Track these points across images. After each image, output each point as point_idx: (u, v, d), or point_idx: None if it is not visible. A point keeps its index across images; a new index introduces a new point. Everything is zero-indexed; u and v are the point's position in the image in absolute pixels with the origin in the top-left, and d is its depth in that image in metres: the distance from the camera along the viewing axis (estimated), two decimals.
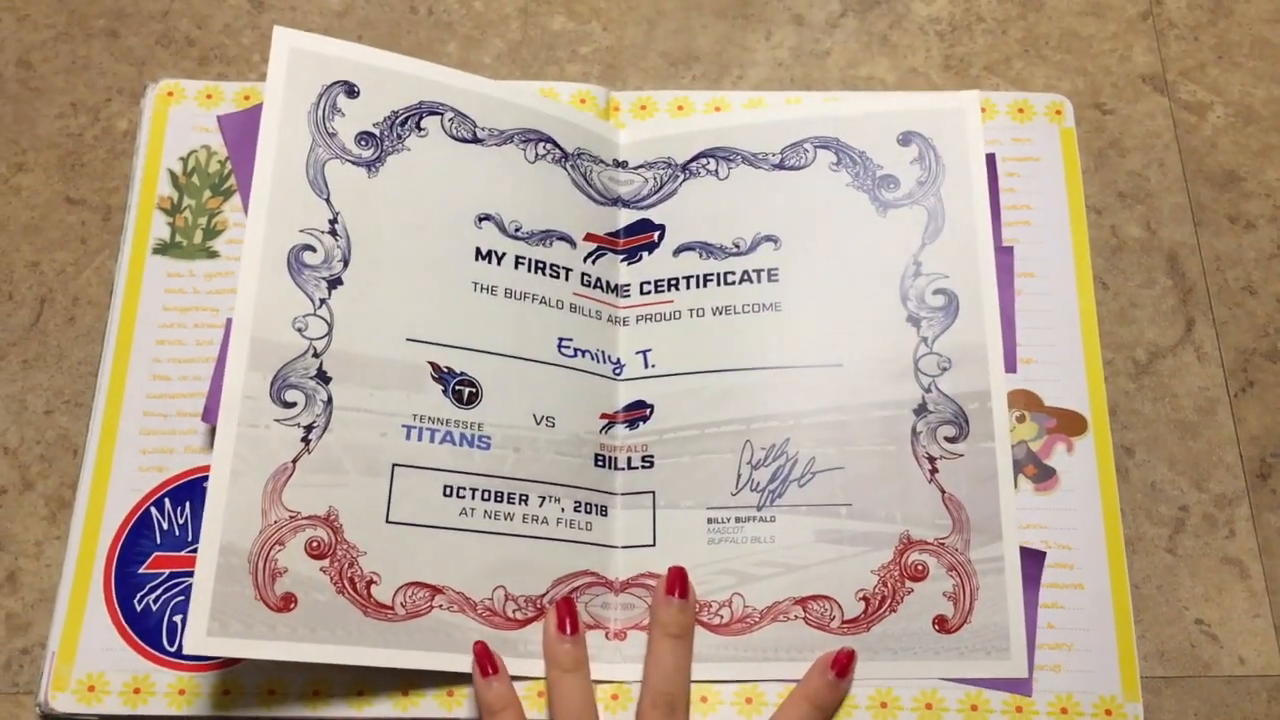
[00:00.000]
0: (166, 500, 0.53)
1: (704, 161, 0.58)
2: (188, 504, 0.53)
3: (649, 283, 0.56)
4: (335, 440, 0.50)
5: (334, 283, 0.51)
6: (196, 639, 0.46)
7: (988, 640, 0.50)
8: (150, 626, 0.51)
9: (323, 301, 0.51)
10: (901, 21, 0.65)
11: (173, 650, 0.50)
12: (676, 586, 0.50)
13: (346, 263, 0.52)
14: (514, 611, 0.51)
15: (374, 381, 0.51)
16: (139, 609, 0.51)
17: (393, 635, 0.49)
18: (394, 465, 0.50)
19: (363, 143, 0.53)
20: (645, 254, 0.57)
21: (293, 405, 0.50)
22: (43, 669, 0.50)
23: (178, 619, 0.51)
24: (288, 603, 0.48)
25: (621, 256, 0.57)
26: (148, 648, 0.50)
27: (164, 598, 0.51)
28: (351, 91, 0.54)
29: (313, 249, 0.51)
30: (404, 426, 0.51)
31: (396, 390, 0.51)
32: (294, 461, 0.49)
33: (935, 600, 0.51)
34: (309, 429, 0.50)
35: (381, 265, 0.52)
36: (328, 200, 0.52)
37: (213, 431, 0.50)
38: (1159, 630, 0.53)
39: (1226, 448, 0.56)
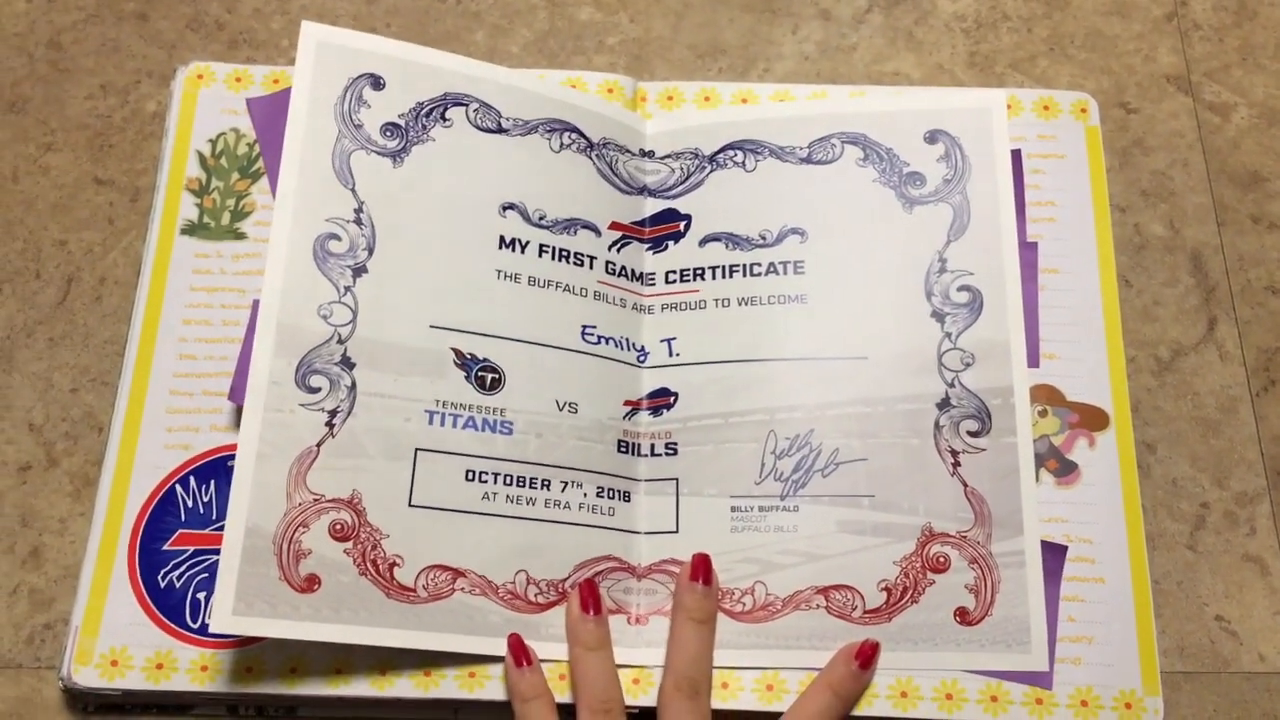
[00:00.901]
0: (191, 478, 0.53)
1: (731, 153, 0.58)
2: (212, 482, 0.53)
3: (674, 272, 0.57)
4: (359, 425, 0.50)
5: (359, 271, 0.52)
6: (222, 618, 0.46)
7: (1009, 633, 0.50)
8: (174, 603, 0.51)
9: (347, 289, 0.52)
10: (927, 18, 0.65)
11: (195, 627, 0.50)
12: (701, 573, 0.51)
13: (371, 251, 0.52)
14: (536, 595, 0.51)
15: (397, 368, 0.51)
16: (162, 585, 0.51)
17: (415, 617, 0.49)
18: (417, 450, 0.51)
19: (388, 134, 0.54)
20: (671, 243, 0.57)
21: (317, 390, 0.50)
22: (65, 644, 0.50)
23: (201, 596, 0.51)
24: (311, 584, 0.48)
25: (647, 245, 0.57)
26: (171, 624, 0.50)
27: (188, 574, 0.51)
28: (377, 84, 0.54)
29: (338, 238, 0.52)
30: (427, 412, 0.51)
31: (420, 376, 0.52)
32: (318, 445, 0.49)
33: (957, 592, 0.51)
34: (333, 414, 0.50)
35: (406, 254, 0.53)
36: (353, 190, 0.53)
37: (238, 411, 0.50)
38: (1179, 626, 0.53)
39: (1248, 446, 0.56)
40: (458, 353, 0.52)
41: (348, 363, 0.51)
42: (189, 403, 0.54)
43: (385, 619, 0.49)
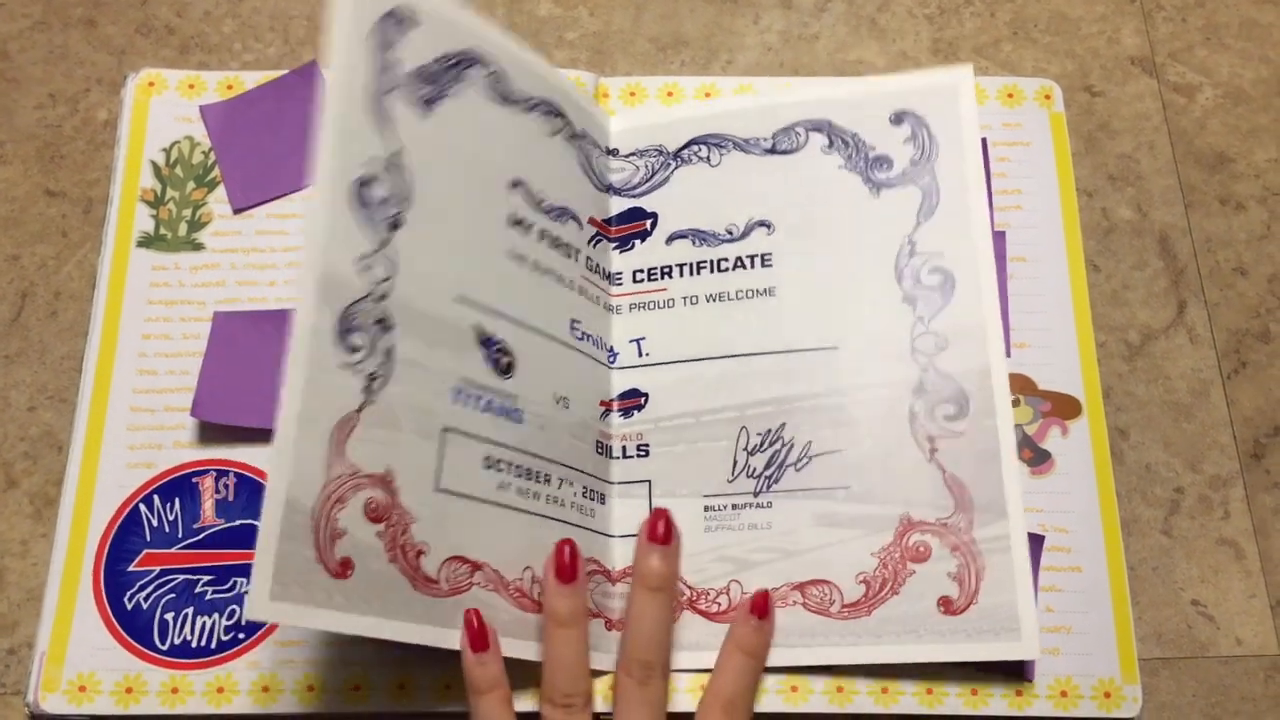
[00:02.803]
0: (156, 497, 0.52)
1: (695, 149, 0.57)
2: (177, 500, 0.52)
3: (641, 271, 0.56)
4: (395, 394, 0.46)
5: (395, 224, 0.48)
6: (259, 603, 0.41)
7: (997, 621, 0.50)
8: (141, 625, 0.50)
9: (384, 243, 0.47)
10: (890, 5, 0.64)
11: (165, 649, 0.50)
12: (660, 532, 0.48)
13: (408, 203, 0.48)
14: (539, 594, 0.49)
15: (428, 337, 0.48)
16: (129, 607, 0.50)
17: (438, 612, 0.46)
18: (443, 429, 0.47)
19: (420, 79, 0.50)
20: (638, 242, 0.56)
21: (358, 350, 0.45)
22: (31, 669, 0.49)
23: (169, 617, 0.50)
24: (345, 568, 0.44)
25: (614, 244, 0.57)
26: (140, 646, 0.50)
27: (155, 595, 0.50)
28: (411, 22, 0.50)
29: (377, 180, 0.47)
30: (452, 390, 0.48)
31: (446, 350, 0.48)
32: (358, 411, 0.45)
33: (939, 581, 0.50)
34: (372, 378, 0.46)
35: (435, 214, 0.49)
36: (390, 134, 0.48)
37: (202, 427, 0.49)
38: (1156, 612, 0.53)
39: (1220, 429, 0.56)
40: (480, 330, 0.49)
41: (385, 324, 0.46)
42: (151, 419, 0.53)
43: (410, 612, 0.45)
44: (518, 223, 0.52)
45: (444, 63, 0.50)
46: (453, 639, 0.46)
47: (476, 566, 0.47)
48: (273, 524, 0.42)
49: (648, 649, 0.47)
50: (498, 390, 0.49)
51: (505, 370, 0.50)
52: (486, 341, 0.49)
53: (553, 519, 0.50)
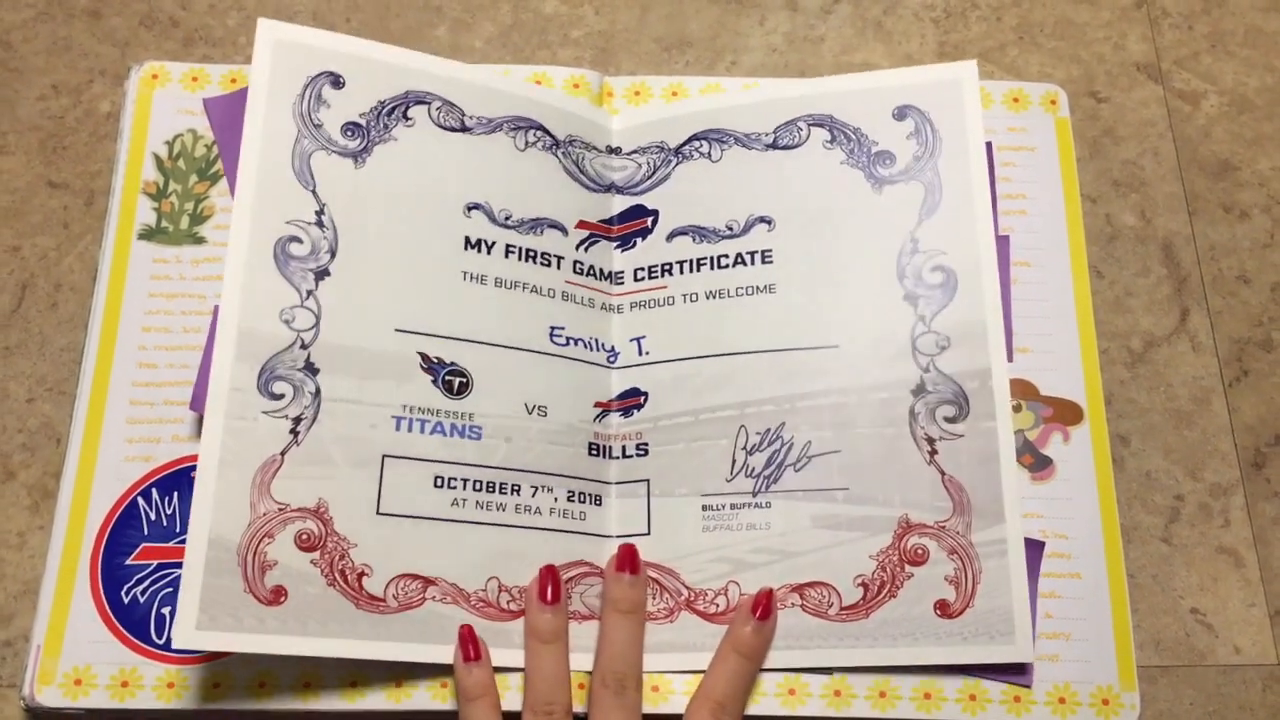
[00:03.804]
0: (154, 490, 0.52)
1: (696, 144, 0.57)
2: (176, 494, 0.52)
3: (642, 269, 0.56)
4: (324, 432, 0.49)
5: (321, 274, 0.51)
6: (185, 633, 0.45)
7: (991, 625, 0.50)
8: (138, 619, 0.50)
9: (310, 293, 0.51)
10: (896, 7, 0.64)
11: (161, 643, 0.49)
12: (627, 563, 0.50)
13: (334, 254, 0.51)
14: (508, 602, 0.50)
15: (363, 372, 0.50)
16: (126, 601, 0.50)
17: (385, 628, 0.48)
18: (384, 456, 0.50)
19: (349, 133, 0.53)
20: (639, 240, 0.56)
21: (280, 397, 0.49)
22: (26, 662, 0.49)
23: (166, 611, 0.50)
24: (278, 596, 0.47)
25: (615, 243, 0.56)
26: (136, 640, 0.49)
27: (152, 589, 0.50)
28: (337, 82, 0.53)
29: (299, 240, 0.51)
30: (394, 418, 0.50)
31: (386, 381, 0.51)
32: (282, 454, 0.48)
33: (936, 585, 0.50)
34: (297, 421, 0.49)
35: (369, 256, 0.52)
36: (314, 192, 0.52)
37: (200, 421, 0.49)
38: (1155, 620, 0.53)
39: (1221, 437, 0.56)
40: (424, 356, 0.51)
41: (311, 368, 0.50)
42: (150, 412, 0.53)
43: (355, 630, 0.48)
44: (475, 244, 0.53)
45: (380, 110, 0.54)
46: (405, 652, 0.48)
47: (430, 582, 0.49)
48: (196, 562, 0.46)
49: (621, 662, 0.49)
50: (449, 411, 0.51)
51: (458, 391, 0.51)
52: (434, 366, 0.51)
53: (525, 527, 0.51)
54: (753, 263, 0.55)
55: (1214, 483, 0.55)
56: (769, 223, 0.55)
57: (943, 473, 0.51)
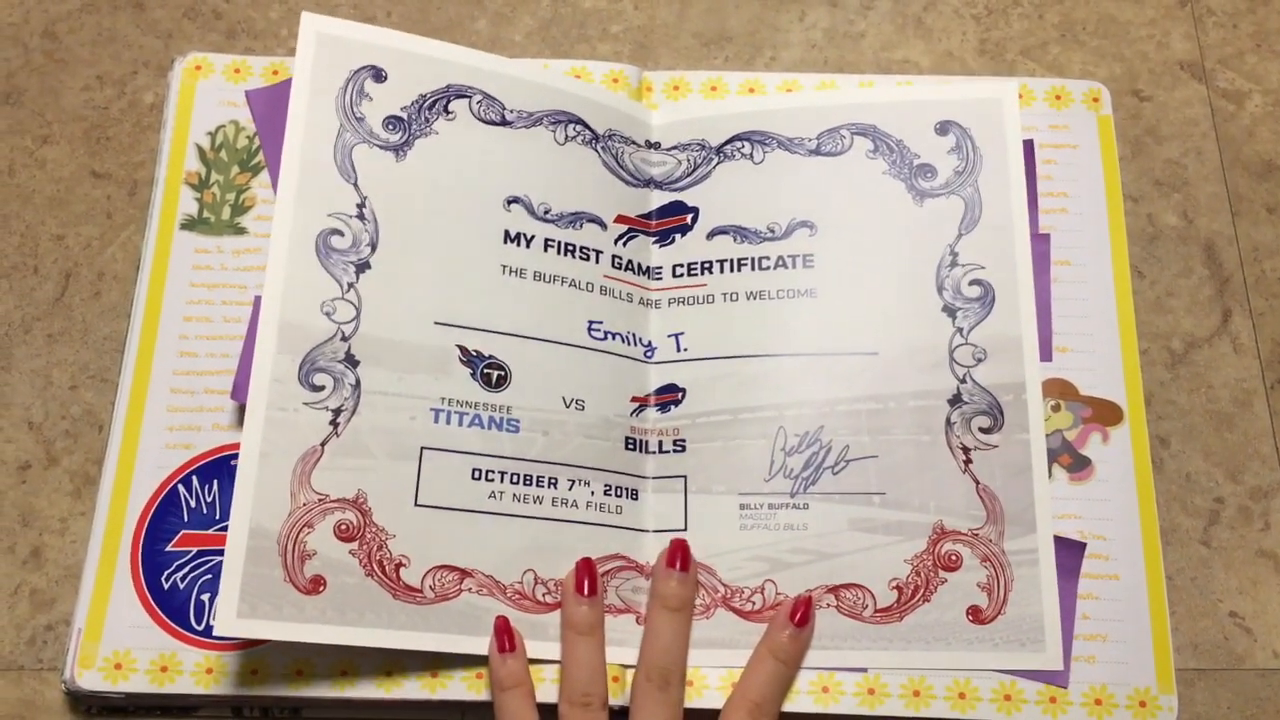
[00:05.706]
0: (194, 478, 0.52)
1: (739, 145, 0.57)
2: (216, 482, 0.52)
3: (681, 265, 0.56)
4: (363, 423, 0.50)
5: (362, 266, 0.51)
6: (227, 620, 0.46)
7: (1022, 632, 0.50)
8: (178, 605, 0.50)
9: (351, 285, 0.51)
10: (937, 4, 0.64)
11: (200, 629, 0.50)
12: (679, 558, 0.50)
13: (374, 247, 0.52)
14: (544, 595, 0.50)
15: (402, 365, 0.51)
16: (166, 587, 0.50)
17: (421, 618, 0.48)
18: (422, 448, 0.50)
19: (390, 127, 0.53)
20: (678, 236, 0.56)
21: (321, 389, 0.50)
22: (68, 646, 0.50)
23: (205, 597, 0.50)
24: (317, 585, 0.47)
25: (654, 238, 0.56)
26: (175, 626, 0.50)
27: (191, 576, 0.51)
28: (379, 76, 0.54)
29: (341, 233, 0.51)
30: (432, 410, 0.51)
31: (425, 374, 0.51)
32: (322, 444, 0.49)
33: (969, 591, 0.51)
34: (337, 412, 0.49)
35: (409, 249, 0.52)
36: (355, 185, 0.52)
37: (241, 409, 0.50)
38: (1193, 622, 0.53)
39: (1262, 439, 0.56)
40: (463, 350, 0.52)
41: (352, 360, 0.50)
42: (190, 401, 0.53)
43: (392, 620, 0.48)
44: (515, 238, 0.53)
45: (420, 104, 0.54)
46: (440, 642, 0.48)
47: (466, 574, 0.50)
48: (238, 551, 0.47)
49: (665, 657, 0.49)
50: (487, 404, 0.51)
51: (496, 384, 0.52)
52: (472, 359, 0.51)
53: (562, 520, 0.51)
54: (794, 266, 0.55)
55: (1254, 485, 0.55)
56: (811, 227, 0.55)
57: (977, 481, 0.52)
